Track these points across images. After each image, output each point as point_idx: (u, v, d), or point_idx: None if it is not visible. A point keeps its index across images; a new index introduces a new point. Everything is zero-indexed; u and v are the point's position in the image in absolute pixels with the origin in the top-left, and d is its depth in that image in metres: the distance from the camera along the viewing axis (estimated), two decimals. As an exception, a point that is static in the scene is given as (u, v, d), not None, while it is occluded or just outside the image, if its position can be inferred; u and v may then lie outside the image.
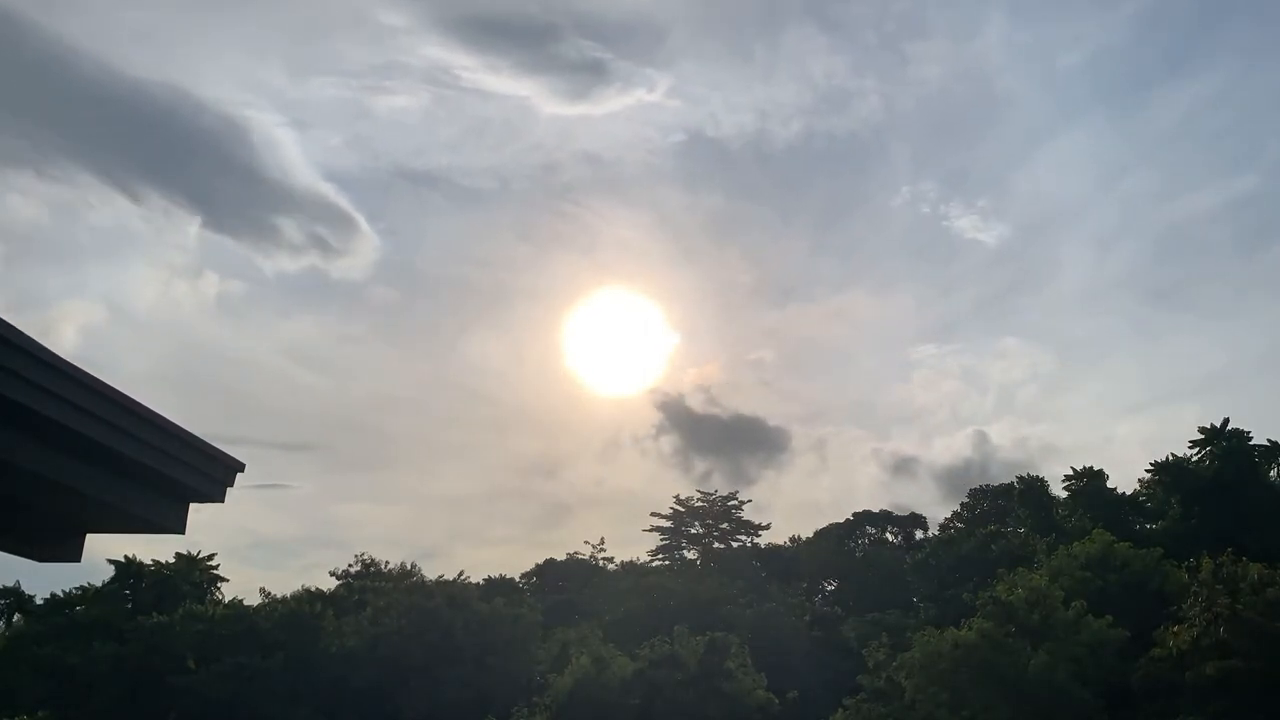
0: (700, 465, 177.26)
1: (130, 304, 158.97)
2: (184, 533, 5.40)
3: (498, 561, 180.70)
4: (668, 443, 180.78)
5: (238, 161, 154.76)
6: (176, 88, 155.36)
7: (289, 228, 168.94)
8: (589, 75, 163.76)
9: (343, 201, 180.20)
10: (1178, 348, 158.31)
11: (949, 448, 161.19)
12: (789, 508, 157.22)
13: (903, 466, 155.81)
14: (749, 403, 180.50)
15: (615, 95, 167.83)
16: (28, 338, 4.04)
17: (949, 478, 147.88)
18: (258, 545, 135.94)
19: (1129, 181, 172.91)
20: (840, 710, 50.04)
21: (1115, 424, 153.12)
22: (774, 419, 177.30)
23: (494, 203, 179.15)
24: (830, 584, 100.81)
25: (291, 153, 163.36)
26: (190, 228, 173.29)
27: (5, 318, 3.97)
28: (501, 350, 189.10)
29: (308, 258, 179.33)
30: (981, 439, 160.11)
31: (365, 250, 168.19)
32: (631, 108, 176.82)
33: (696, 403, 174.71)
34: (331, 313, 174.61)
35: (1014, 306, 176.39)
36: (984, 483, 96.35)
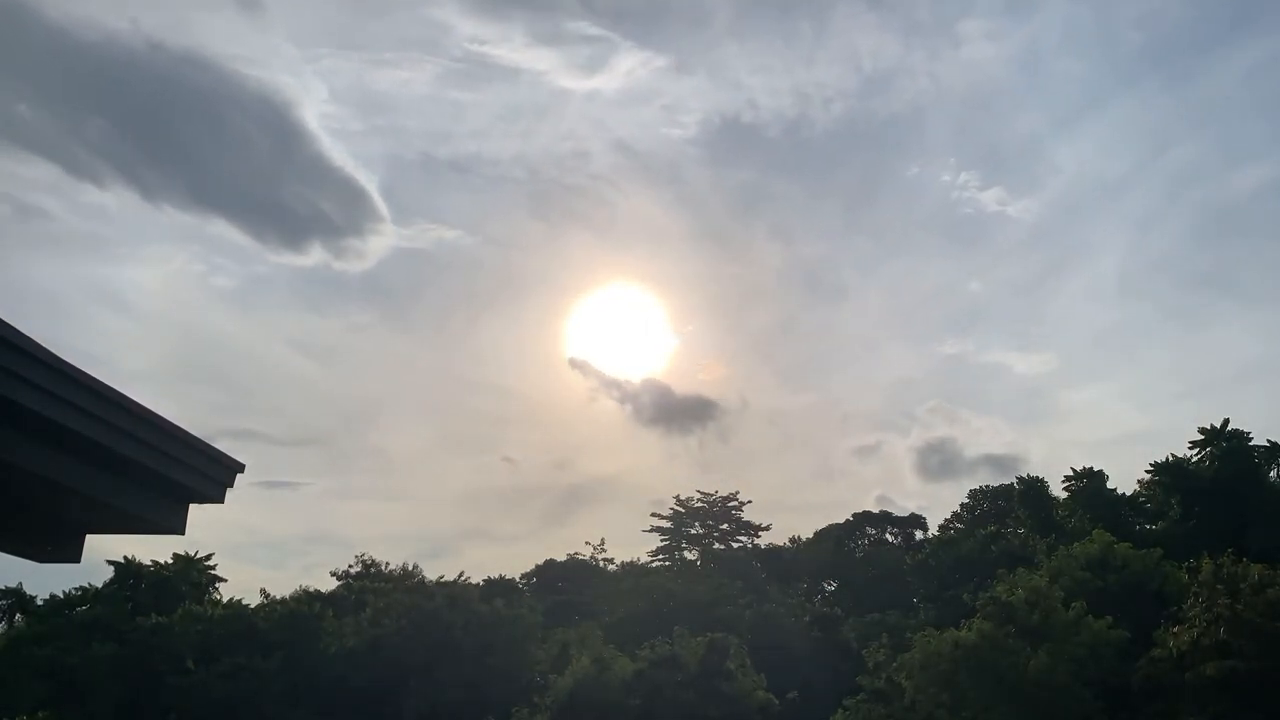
0: (713, 459, 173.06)
1: (122, 292, 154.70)
2: (184, 533, 5.39)
3: (508, 559, 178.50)
4: (681, 436, 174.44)
5: (237, 133, 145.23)
6: (162, 45, 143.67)
7: (295, 203, 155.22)
8: (615, 52, 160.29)
9: (352, 177, 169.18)
10: (1215, 337, 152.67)
11: (976, 443, 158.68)
12: (807, 506, 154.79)
13: (941, 461, 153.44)
14: (768, 394, 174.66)
15: (641, 71, 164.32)
16: (28, 338, 4.03)
17: (979, 476, 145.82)
18: (263, 544, 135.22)
19: (1174, 157, 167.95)
20: (840, 711, 50.05)
21: (1146, 418, 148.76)
22: (792, 410, 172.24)
23: (510, 181, 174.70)
24: (830, 584, 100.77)
25: (298, 123, 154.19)
26: (187, 208, 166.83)
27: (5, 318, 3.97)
28: (512, 339, 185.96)
29: (314, 238, 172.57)
30: (1007, 434, 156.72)
31: (374, 230, 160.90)
32: (660, 88, 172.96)
33: (711, 394, 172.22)
34: (338, 300, 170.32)
35: (1048, 291, 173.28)
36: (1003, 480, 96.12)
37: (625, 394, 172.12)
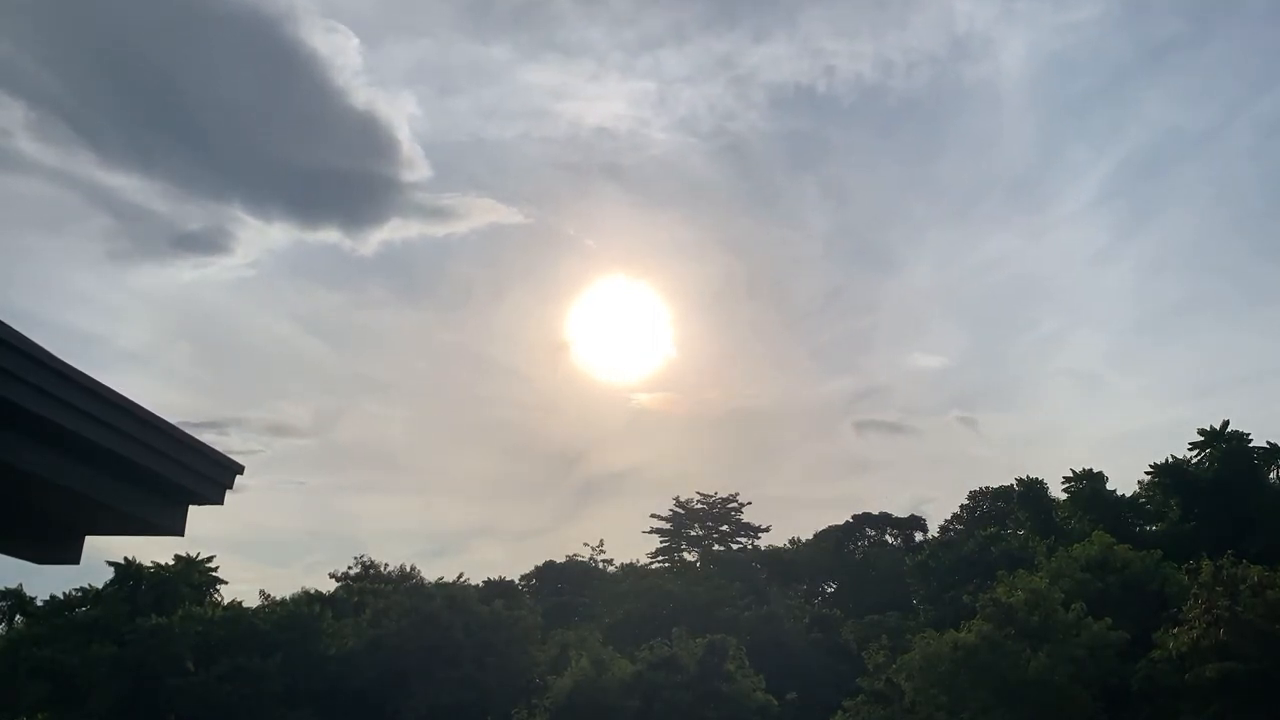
0: (730, 456, 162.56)
1: (118, 275, 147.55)
2: (183, 535, 5.40)
3: (519, 555, 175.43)
4: (696, 432, 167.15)
5: (224, 57, 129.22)
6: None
7: (301, 157, 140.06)
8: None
9: (373, 119, 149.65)
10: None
11: (993, 441, 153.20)
12: (832, 501, 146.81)
13: (956, 458, 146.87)
14: (787, 385, 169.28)
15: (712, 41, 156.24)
16: (28, 340, 4.04)
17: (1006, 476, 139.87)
18: (268, 541, 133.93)
19: (1260, 107, 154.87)
20: (840, 712, 49.98)
21: (1198, 406, 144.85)
22: (821, 405, 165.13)
23: (548, 153, 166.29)
24: (830, 586, 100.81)
25: (300, 49, 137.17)
26: (178, 167, 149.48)
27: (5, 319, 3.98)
28: (530, 326, 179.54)
29: (325, 205, 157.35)
30: (1041, 428, 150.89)
31: (395, 197, 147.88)
32: (732, 58, 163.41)
33: (729, 388, 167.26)
34: (353, 275, 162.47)
35: (1112, 260, 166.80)
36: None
37: (642, 386, 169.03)
